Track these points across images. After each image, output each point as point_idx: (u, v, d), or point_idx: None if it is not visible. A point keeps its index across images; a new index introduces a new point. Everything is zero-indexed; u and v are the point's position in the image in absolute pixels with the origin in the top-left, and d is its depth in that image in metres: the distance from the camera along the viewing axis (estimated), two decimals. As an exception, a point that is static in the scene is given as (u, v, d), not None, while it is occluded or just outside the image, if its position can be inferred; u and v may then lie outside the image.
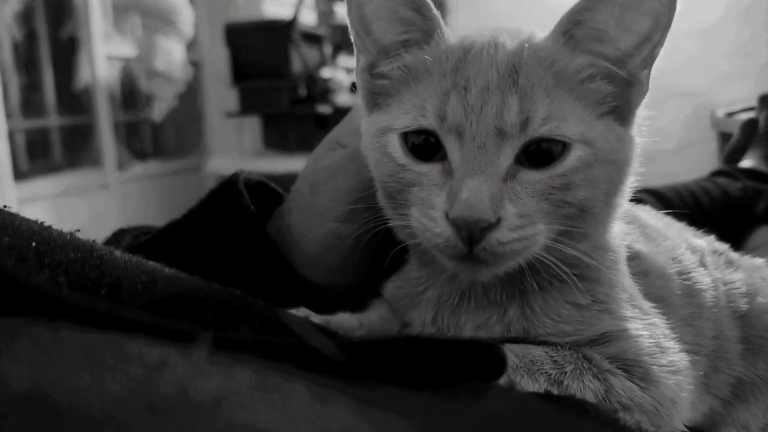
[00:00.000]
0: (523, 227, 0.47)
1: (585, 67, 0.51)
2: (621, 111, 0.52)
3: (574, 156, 0.49)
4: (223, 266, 0.63)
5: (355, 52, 0.57)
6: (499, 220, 0.46)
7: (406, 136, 0.51)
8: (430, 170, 0.50)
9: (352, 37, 0.56)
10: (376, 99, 0.56)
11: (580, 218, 0.50)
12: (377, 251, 0.61)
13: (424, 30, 0.53)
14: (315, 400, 0.26)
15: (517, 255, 0.49)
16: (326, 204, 0.65)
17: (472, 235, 0.46)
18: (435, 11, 0.53)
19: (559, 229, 0.50)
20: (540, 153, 0.49)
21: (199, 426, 0.22)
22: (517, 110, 0.48)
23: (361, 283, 0.66)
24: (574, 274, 0.51)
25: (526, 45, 0.51)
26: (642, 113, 0.54)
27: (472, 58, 0.50)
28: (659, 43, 0.50)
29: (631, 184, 0.55)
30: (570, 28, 0.51)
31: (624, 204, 0.56)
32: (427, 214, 0.49)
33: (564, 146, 0.49)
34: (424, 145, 0.51)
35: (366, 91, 0.57)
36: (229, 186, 0.69)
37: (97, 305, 0.28)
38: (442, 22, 0.53)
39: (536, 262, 0.51)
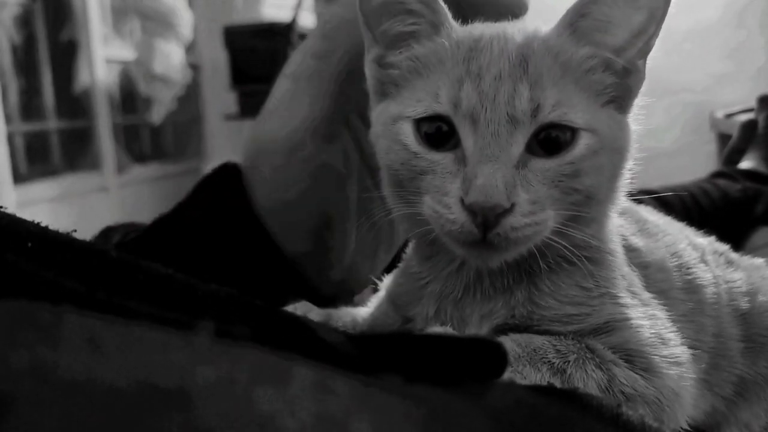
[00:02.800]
0: (535, 213, 0.49)
1: (588, 58, 0.53)
2: (620, 100, 0.55)
3: (583, 144, 0.51)
4: (217, 258, 0.63)
5: (366, 43, 0.58)
6: (512, 205, 0.48)
7: (418, 124, 0.52)
8: (442, 158, 0.51)
9: (362, 29, 0.57)
10: (385, 89, 0.57)
11: (585, 204, 0.52)
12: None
13: (431, 22, 0.55)
14: (317, 385, 0.26)
15: (528, 240, 0.50)
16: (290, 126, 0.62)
17: (487, 220, 0.48)
18: (442, 4, 0.54)
19: (566, 215, 0.51)
20: (549, 141, 0.50)
21: (200, 409, 0.22)
22: (528, 97, 0.49)
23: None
24: (581, 256, 0.53)
25: (535, 36, 0.53)
26: (638, 102, 0.57)
27: (483, 47, 0.52)
28: (654, 35, 0.53)
29: (629, 169, 0.57)
30: (575, 20, 0.53)
31: (623, 190, 0.57)
32: (442, 201, 0.50)
33: (573, 134, 0.51)
34: (436, 134, 0.52)
35: (375, 80, 0.58)
36: (221, 174, 0.67)
37: (96, 293, 0.28)
38: (449, 14, 0.54)
39: (544, 247, 0.52)
